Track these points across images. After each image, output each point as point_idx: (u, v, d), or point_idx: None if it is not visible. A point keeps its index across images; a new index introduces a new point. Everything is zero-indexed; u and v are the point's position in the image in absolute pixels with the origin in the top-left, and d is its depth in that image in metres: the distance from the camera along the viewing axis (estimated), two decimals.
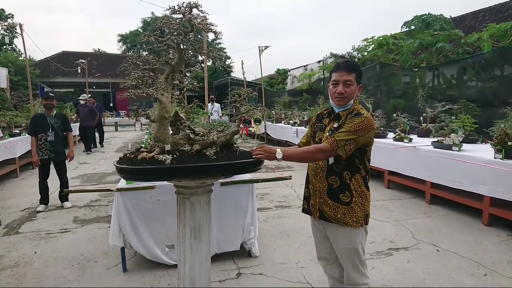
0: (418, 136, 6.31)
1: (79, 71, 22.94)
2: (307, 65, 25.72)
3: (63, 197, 5.16)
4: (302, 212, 2.27)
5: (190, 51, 1.92)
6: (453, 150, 4.64)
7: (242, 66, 14.26)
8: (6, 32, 30.53)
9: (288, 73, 26.35)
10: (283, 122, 11.44)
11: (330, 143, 1.91)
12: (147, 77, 1.86)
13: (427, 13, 13.26)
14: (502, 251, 3.47)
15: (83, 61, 20.38)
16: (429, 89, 10.53)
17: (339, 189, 2.01)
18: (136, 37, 38.84)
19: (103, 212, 4.86)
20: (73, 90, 28.10)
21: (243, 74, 14.55)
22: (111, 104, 27.05)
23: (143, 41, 1.89)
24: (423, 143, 5.33)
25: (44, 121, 4.97)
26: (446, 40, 11.40)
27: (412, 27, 15.96)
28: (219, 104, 11.56)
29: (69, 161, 5.24)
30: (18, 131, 7.71)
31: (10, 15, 32.65)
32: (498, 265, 3.17)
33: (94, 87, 26.29)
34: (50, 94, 5.21)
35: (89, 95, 16.03)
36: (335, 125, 2.02)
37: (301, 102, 16.14)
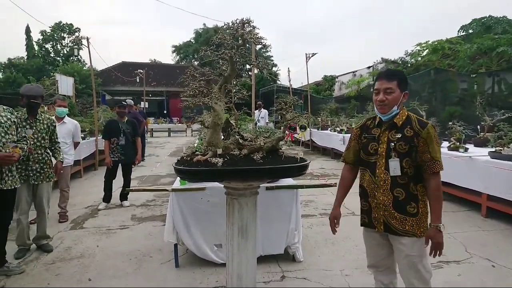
0: (474, 146, 5.94)
1: (138, 80, 24.60)
2: (356, 71, 25.18)
3: (124, 196, 5.63)
4: (361, 226, 2.24)
5: (241, 64, 2.08)
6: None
7: (289, 73, 14.40)
8: (74, 44, 33.76)
9: (336, 79, 25.98)
10: (329, 129, 11.34)
11: (437, 166, 1.93)
12: (203, 87, 2.05)
13: (487, 16, 12.42)
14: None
15: (141, 71, 21.85)
16: (488, 96, 9.84)
17: (405, 201, 1.98)
18: (189, 48, 40.79)
19: (158, 211, 5.22)
20: (131, 98, 30.19)
21: (289, 81, 14.68)
22: (165, 111, 28.59)
23: (201, 55, 2.09)
24: (480, 153, 5.02)
25: (116, 127, 5.46)
26: (509, 44, 10.60)
27: (470, 31, 15.02)
28: (266, 111, 11.76)
29: (137, 164, 5.76)
30: (82, 135, 8.50)
31: (78, 29, 36.06)
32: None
33: (150, 95, 27.99)
34: (123, 102, 5.76)
35: (131, 102, 16.62)
36: (398, 135, 2.00)
37: (349, 109, 15.84)
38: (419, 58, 15.67)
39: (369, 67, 23.26)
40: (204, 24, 40.12)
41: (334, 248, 3.81)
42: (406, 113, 2.07)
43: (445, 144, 6.24)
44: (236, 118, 2.42)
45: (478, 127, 6.76)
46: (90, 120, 9.89)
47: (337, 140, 9.98)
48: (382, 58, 22.36)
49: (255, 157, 2.09)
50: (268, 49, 34.48)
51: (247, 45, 2.25)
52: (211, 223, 3.32)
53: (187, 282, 3.07)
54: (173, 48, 42.44)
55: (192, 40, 41.62)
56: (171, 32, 74.44)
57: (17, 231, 3.65)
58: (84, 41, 9.01)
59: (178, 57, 42.66)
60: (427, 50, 14.26)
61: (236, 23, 2.00)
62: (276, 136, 2.26)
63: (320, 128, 11.62)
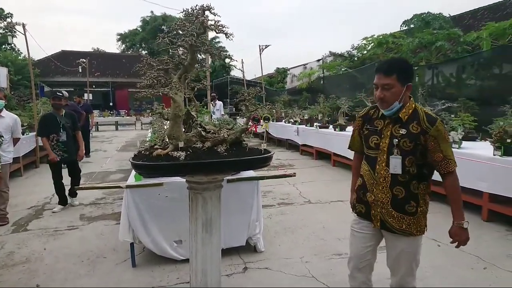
0: None
1: (80, 70, 22.95)
2: (307, 64, 25.80)
3: (73, 193, 5.17)
4: (358, 215, 2.08)
5: (202, 52, 2.00)
6: (453, 148, 4.72)
7: (242, 64, 14.37)
8: (6, 31, 30.50)
9: (288, 72, 26.44)
10: (283, 121, 11.52)
11: (451, 165, 1.82)
12: (161, 76, 1.94)
13: (426, 12, 13.35)
14: (501, 245, 3.57)
15: (84, 60, 20.39)
16: (429, 87, 10.62)
17: (404, 200, 1.87)
18: (135, 36, 38.84)
19: (109, 210, 4.93)
20: (73, 89, 28.12)
21: (243, 73, 14.66)
22: (111, 104, 27.08)
23: (158, 42, 1.96)
24: None
25: (54, 121, 4.89)
26: (446, 38, 11.49)
27: (412, 26, 16.03)
28: (221, 102, 11.61)
29: (80, 161, 5.23)
30: (21, 130, 7.76)
31: (9, 15, 32.60)
32: (497, 259, 3.26)
33: (94, 86, 26.31)
34: (59, 93, 5.13)
35: (66, 93, 15.63)
36: (402, 131, 1.85)
37: (301, 101, 16.22)
38: (365, 52, 16.47)
39: (318, 60, 23.96)
40: (152, 12, 38.42)
41: (293, 237, 3.89)
42: (414, 106, 1.89)
43: None
44: (197, 109, 2.33)
45: None
46: (29, 114, 9.04)
47: (291, 131, 10.17)
48: (330, 52, 23.18)
49: (219, 150, 2.04)
50: (219, 39, 34.01)
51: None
52: (170, 219, 3.20)
53: (146, 282, 2.95)
54: (118, 37, 40.16)
55: (139, 29, 39.67)
56: (115, 19, 70.14)
57: None
58: (20, 28, 8.13)
59: (124, 46, 40.48)
60: (372, 43, 15.00)
61: (196, 9, 1.91)
62: (239, 128, 2.22)
63: (275, 120, 11.72)
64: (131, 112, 24.56)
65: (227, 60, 32.89)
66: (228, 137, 2.14)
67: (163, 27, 38.57)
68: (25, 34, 8.29)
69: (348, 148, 2.23)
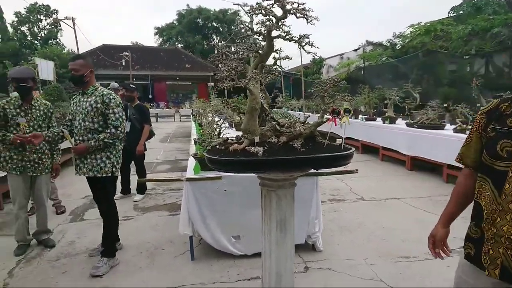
0: None
1: (123, 63, 23.65)
2: (343, 54, 25.00)
3: (141, 190, 5.16)
4: (465, 258, 1.47)
5: (283, 39, 1.85)
6: None
7: (280, 54, 14.06)
8: (53, 27, 32.21)
9: (324, 62, 25.78)
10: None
11: None
12: (240, 67, 1.82)
13: None
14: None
15: (127, 53, 20.98)
16: (481, 77, 9.87)
17: None
18: (172, 30, 39.58)
19: (161, 201, 4.98)
20: (118, 81, 29.34)
21: (280, 63, 14.36)
22: (150, 96, 27.84)
23: (234, 32, 1.84)
24: None
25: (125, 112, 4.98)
26: (503, 24, 10.60)
27: (461, 12, 15.00)
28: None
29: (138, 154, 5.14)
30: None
31: (55, 11, 34.33)
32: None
33: (134, 79, 27.16)
34: (132, 86, 5.17)
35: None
36: None
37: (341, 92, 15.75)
38: (407, 40, 15.63)
39: (356, 50, 23.14)
40: (188, 5, 38.91)
41: (351, 236, 3.71)
42: None
43: (449, 126, 6.22)
44: (268, 102, 2.20)
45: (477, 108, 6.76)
46: None
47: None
48: (367, 41, 22.27)
49: (295, 145, 1.90)
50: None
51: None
52: (228, 214, 3.14)
53: (207, 277, 2.90)
54: (156, 30, 41.11)
55: (175, 22, 40.38)
56: (151, 14, 71.92)
57: (15, 226, 3.38)
58: (69, 22, 8.42)
59: (161, 39, 41.41)
60: (419, 31, 14.20)
61: None
62: (314, 122, 2.07)
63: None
64: (170, 104, 25.11)
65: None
66: (304, 131, 2.00)
67: (198, 19, 39.01)
68: (74, 28, 8.58)
69: (458, 161, 1.59)
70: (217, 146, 1.96)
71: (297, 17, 1.83)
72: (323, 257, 3.23)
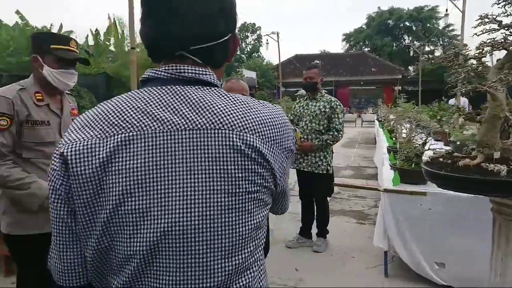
0: None
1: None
2: None
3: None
4: None
5: None
6: None
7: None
8: (256, 42, 37.66)
9: None
10: None
11: None
12: (482, 68, 1.55)
13: None
14: None
15: (317, 61, 22.20)
16: None
17: None
18: (360, 34, 39.20)
19: (347, 206, 4.95)
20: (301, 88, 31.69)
21: None
22: None
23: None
24: None
25: None
26: None
27: None
28: (466, 99, 9.72)
29: None
30: None
31: (259, 27, 39.92)
32: None
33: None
34: None
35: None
36: None
37: None
38: None
39: None
40: (379, 8, 37.59)
41: None
42: None
43: None
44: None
45: None
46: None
47: None
48: None
49: None
50: (453, 27, 29.25)
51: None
52: (431, 236, 2.77)
53: None
54: (344, 37, 41.63)
55: (363, 26, 39.79)
56: (341, 20, 73.60)
57: None
58: (274, 36, 9.59)
59: (347, 45, 41.67)
60: None
61: None
62: None
63: None
64: (352, 110, 24.95)
65: None
66: None
67: (389, 21, 37.13)
68: (278, 41, 9.68)
69: None
70: (441, 159, 1.73)
71: None
72: None
